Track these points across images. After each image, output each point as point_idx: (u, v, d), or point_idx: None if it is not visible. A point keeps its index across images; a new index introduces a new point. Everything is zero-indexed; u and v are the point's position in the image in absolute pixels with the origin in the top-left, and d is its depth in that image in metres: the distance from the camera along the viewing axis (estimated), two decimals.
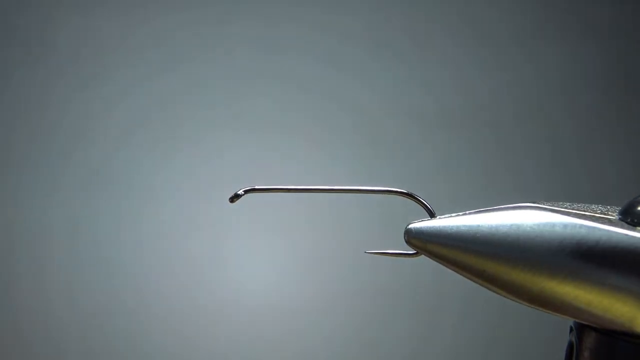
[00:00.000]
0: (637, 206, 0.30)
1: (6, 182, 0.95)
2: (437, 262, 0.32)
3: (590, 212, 0.31)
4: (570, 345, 0.32)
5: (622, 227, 0.30)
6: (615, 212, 0.31)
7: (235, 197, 0.34)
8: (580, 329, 0.32)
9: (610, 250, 0.29)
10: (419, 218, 0.32)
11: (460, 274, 0.32)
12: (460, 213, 0.32)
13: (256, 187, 0.35)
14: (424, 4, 0.96)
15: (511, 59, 0.94)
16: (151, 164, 0.97)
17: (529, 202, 0.32)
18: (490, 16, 0.95)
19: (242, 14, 0.96)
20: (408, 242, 0.32)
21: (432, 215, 0.33)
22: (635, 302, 0.29)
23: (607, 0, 0.93)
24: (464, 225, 0.31)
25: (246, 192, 0.34)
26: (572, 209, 0.31)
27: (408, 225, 0.32)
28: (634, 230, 0.30)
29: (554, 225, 0.30)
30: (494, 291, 0.31)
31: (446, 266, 0.32)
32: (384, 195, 0.34)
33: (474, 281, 0.32)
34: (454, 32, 0.97)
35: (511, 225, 0.31)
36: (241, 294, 0.97)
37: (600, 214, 0.31)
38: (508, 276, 0.31)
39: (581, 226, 0.30)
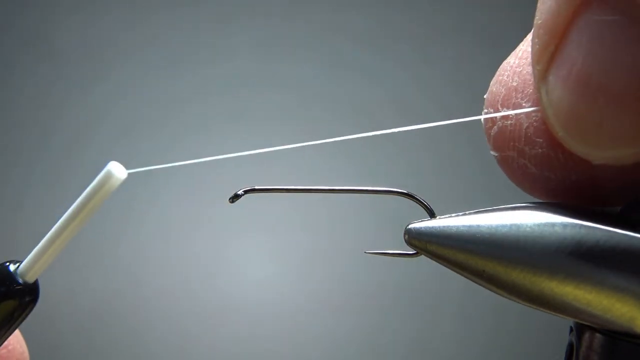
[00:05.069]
0: (637, 206, 0.30)
1: (6, 182, 0.95)
2: (437, 262, 0.32)
3: (590, 212, 0.31)
4: (570, 345, 0.32)
5: (622, 227, 0.30)
6: (615, 212, 0.31)
7: (235, 197, 0.34)
8: (580, 329, 0.32)
9: (610, 250, 0.29)
10: (419, 218, 0.32)
11: (460, 274, 0.32)
12: (460, 213, 0.32)
13: (256, 187, 0.35)
14: (424, 4, 0.96)
15: None
16: (151, 163, 0.97)
17: (529, 202, 0.32)
18: (490, 17, 0.95)
19: (242, 14, 0.96)
20: (408, 242, 0.32)
21: (432, 215, 0.33)
22: (635, 302, 0.29)
23: None
24: (464, 225, 0.31)
25: (246, 192, 0.34)
26: (572, 209, 0.31)
27: (408, 225, 0.32)
28: (634, 230, 0.30)
29: (554, 225, 0.30)
30: (493, 291, 0.31)
31: (446, 266, 0.32)
32: (384, 195, 0.34)
33: (473, 281, 0.31)
34: (454, 32, 0.97)
35: (511, 225, 0.31)
36: (241, 292, 0.97)
37: (600, 214, 0.31)
38: (508, 276, 0.31)
39: (581, 226, 0.30)
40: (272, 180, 0.92)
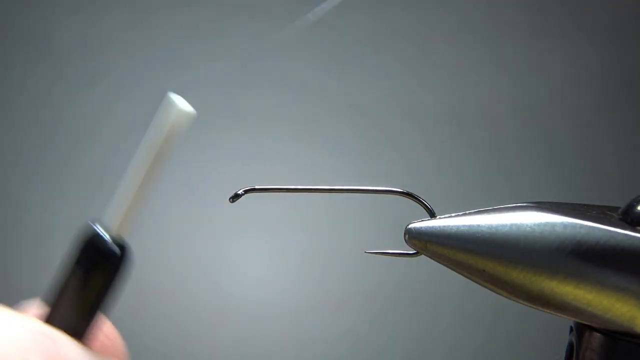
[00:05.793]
0: (637, 206, 0.30)
1: (6, 182, 0.95)
2: (437, 262, 0.32)
3: (590, 212, 0.31)
4: (570, 345, 0.32)
5: (622, 227, 0.30)
6: (615, 212, 0.31)
7: (235, 197, 0.34)
8: (580, 329, 0.32)
9: (610, 250, 0.29)
10: (419, 218, 0.32)
11: (460, 274, 0.32)
12: (460, 213, 0.32)
13: (256, 187, 0.35)
14: (424, 3, 0.96)
15: (511, 59, 0.94)
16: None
17: (529, 202, 0.32)
18: (490, 16, 0.95)
19: (242, 14, 0.96)
20: (408, 242, 0.32)
21: (432, 215, 0.33)
22: (635, 302, 0.29)
23: (606, 1, 0.93)
24: (464, 225, 0.31)
25: (246, 192, 0.34)
26: (572, 209, 0.31)
27: (408, 225, 0.32)
28: (634, 230, 0.30)
29: (554, 225, 0.30)
30: (493, 291, 0.31)
31: (446, 266, 0.32)
32: (384, 195, 0.34)
33: (474, 281, 0.32)
34: (454, 31, 0.97)
35: (511, 225, 0.31)
36: (241, 293, 0.97)
37: (600, 214, 0.31)
38: (508, 276, 0.31)
39: (581, 226, 0.30)
40: (272, 180, 0.92)
